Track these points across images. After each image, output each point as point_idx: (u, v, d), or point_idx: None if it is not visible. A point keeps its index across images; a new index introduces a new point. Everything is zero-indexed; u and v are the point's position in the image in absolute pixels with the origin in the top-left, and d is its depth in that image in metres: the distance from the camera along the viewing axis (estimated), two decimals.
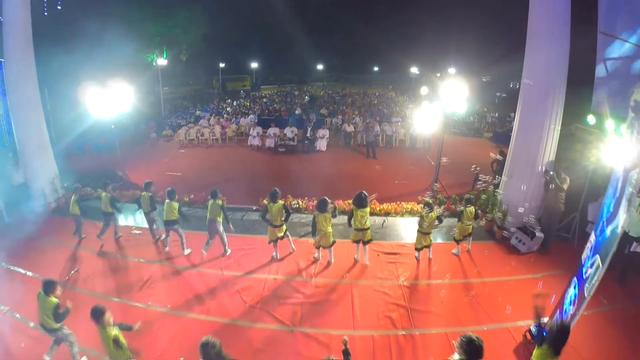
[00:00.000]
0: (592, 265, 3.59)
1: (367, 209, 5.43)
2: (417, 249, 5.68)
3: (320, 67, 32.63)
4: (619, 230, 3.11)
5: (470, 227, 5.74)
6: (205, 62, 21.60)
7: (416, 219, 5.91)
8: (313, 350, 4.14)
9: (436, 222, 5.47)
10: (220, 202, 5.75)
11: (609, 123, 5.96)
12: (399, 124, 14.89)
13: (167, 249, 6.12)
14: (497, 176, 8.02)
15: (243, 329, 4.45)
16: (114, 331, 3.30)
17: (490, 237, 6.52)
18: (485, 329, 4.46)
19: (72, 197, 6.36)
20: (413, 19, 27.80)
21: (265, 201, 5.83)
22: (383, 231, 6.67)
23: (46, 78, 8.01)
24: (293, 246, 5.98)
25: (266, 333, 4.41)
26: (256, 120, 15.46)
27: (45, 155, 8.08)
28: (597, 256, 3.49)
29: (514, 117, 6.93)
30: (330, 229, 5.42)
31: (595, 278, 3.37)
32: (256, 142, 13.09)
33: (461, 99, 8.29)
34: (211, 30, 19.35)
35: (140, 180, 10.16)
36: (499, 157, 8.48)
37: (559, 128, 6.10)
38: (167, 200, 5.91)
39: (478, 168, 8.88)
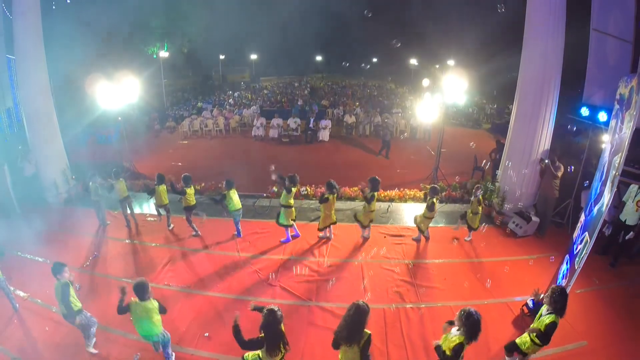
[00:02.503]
0: (581, 241, 4.00)
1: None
2: (422, 231, 6.11)
3: (319, 58, 32.74)
4: (604, 209, 3.49)
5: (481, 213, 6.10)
6: (205, 54, 21.60)
7: (418, 205, 6.30)
8: (329, 322, 4.51)
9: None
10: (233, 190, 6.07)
11: (601, 115, 6.36)
12: (400, 114, 15.19)
13: (195, 233, 6.42)
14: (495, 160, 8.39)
15: (263, 304, 4.81)
16: (155, 303, 3.56)
17: (490, 222, 6.93)
18: (485, 303, 4.88)
19: (91, 185, 6.53)
20: (412, 10, 27.86)
21: (275, 188, 6.13)
22: (388, 215, 7.07)
23: (50, 71, 8.11)
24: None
25: (285, 307, 4.74)
26: (259, 112, 15.67)
27: (55, 146, 8.21)
28: (586, 233, 3.90)
29: (512, 109, 7.28)
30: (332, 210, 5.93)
31: (584, 252, 3.78)
32: (260, 132, 13.34)
33: (461, 91, 8.66)
34: (211, 22, 19.34)
35: (146, 170, 10.44)
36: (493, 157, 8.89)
37: (554, 118, 6.47)
38: (184, 188, 6.19)
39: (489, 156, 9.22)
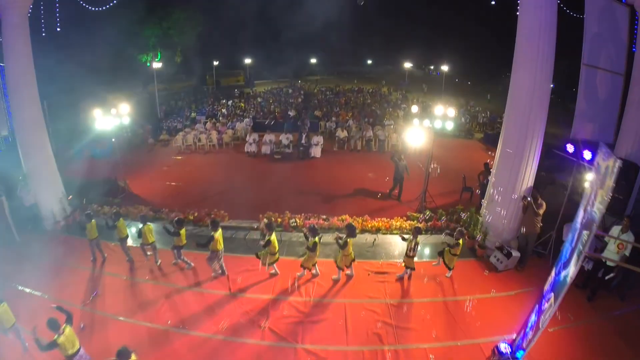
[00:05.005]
0: (548, 300, 4.22)
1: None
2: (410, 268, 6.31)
3: (313, 60, 32.56)
4: (569, 280, 3.70)
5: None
6: (199, 59, 21.46)
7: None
8: None
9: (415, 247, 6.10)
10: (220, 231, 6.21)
11: (586, 153, 6.55)
12: (392, 127, 15.30)
13: (192, 264, 6.70)
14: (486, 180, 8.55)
15: (252, 346, 5.07)
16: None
17: (472, 255, 7.16)
18: (459, 344, 5.15)
19: (88, 226, 6.61)
20: (408, 11, 27.70)
21: (263, 224, 6.30)
22: (374, 249, 7.26)
23: (44, 90, 8.20)
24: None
25: (273, 350, 5.03)
26: (251, 124, 15.75)
27: (51, 176, 8.37)
28: (552, 294, 4.12)
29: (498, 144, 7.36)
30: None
31: (548, 314, 4.00)
32: (252, 148, 13.46)
33: (449, 117, 8.82)
34: (204, 28, 19.19)
35: (141, 191, 10.56)
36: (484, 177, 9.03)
37: (539, 157, 6.63)
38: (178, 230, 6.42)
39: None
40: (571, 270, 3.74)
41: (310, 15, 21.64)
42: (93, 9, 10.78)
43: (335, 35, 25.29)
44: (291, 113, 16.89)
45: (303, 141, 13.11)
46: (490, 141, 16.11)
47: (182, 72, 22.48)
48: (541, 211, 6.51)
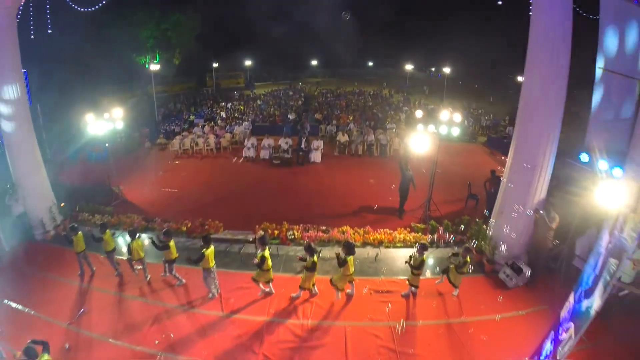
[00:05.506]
0: (567, 330, 3.84)
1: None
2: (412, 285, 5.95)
3: (314, 62, 32.23)
4: (593, 313, 3.32)
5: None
6: (198, 61, 21.18)
7: (409, 250, 6.11)
8: None
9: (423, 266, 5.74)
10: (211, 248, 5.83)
11: (602, 163, 6.14)
12: (394, 130, 14.93)
13: (183, 281, 6.36)
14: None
15: None
16: None
17: (480, 270, 6.76)
18: None
19: (74, 237, 6.33)
20: (409, 12, 27.34)
21: (258, 252, 5.87)
22: (376, 265, 6.85)
23: (38, 94, 7.92)
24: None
25: None
26: (250, 128, 15.40)
27: (41, 184, 8.11)
28: (572, 325, 3.74)
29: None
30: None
31: (568, 346, 3.62)
32: (251, 153, 13.10)
33: (455, 123, 8.44)
34: (204, 30, 18.90)
35: (135, 198, 10.25)
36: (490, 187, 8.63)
37: (552, 168, 6.24)
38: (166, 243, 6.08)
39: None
40: (596, 302, 3.36)
41: (311, 16, 21.36)
42: (83, 9, 10.49)
43: (336, 37, 24.96)
44: (291, 116, 16.54)
45: (303, 146, 12.75)
46: (495, 145, 15.71)
47: (181, 74, 22.21)
48: (554, 225, 6.13)
